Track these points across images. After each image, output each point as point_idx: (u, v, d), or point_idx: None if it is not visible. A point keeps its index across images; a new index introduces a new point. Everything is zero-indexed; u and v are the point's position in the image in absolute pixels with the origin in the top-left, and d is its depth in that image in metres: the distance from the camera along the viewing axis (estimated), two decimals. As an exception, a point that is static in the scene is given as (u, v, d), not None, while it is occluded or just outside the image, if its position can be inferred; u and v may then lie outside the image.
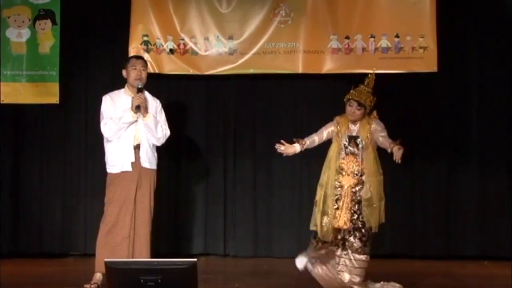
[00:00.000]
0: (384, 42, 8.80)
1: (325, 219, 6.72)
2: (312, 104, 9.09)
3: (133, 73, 7.17)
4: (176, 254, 8.66)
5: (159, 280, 4.95)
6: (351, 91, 6.82)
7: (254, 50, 8.90)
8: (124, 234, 7.03)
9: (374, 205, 6.67)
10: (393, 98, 8.94)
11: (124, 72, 7.26)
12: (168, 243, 8.88)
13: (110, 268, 5.12)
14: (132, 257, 6.97)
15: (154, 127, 7.13)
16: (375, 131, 6.76)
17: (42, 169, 9.11)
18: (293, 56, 8.85)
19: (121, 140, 7.09)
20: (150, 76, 7.57)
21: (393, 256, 8.61)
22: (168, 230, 8.97)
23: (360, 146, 6.74)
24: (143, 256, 7.00)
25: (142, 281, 4.96)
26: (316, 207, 6.84)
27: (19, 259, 8.79)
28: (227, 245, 9.17)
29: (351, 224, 6.65)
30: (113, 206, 7.11)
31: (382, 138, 6.74)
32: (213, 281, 7.61)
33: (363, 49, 8.83)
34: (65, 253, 9.08)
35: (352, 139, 6.78)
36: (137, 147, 7.11)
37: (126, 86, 7.27)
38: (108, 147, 7.20)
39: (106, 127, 7.12)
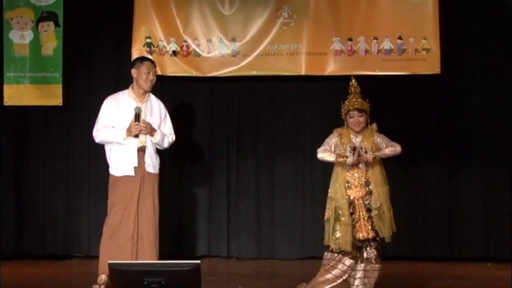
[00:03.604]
0: (387, 44, 8.80)
1: (338, 226, 6.66)
2: (315, 106, 9.09)
3: (145, 76, 7.17)
4: (179, 256, 8.63)
5: (163, 282, 4.94)
6: (345, 104, 6.78)
7: (257, 52, 8.90)
8: (127, 236, 7.04)
9: (384, 215, 6.64)
10: (396, 100, 8.95)
11: (134, 72, 7.25)
12: (172, 244, 8.85)
13: (114, 269, 5.12)
14: (136, 259, 6.97)
15: (162, 142, 7.21)
16: (380, 145, 6.73)
17: (45, 171, 9.11)
18: (296, 58, 8.85)
19: (125, 143, 7.10)
20: (152, 77, 7.58)
21: (396, 258, 8.58)
22: (171, 231, 8.94)
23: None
24: (146, 257, 7.00)
25: (145, 282, 4.95)
26: (327, 222, 6.75)
27: (22, 260, 8.79)
28: (231, 246, 9.16)
29: (373, 232, 6.62)
30: (116, 208, 7.12)
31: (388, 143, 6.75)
32: (217, 283, 7.62)
33: (366, 51, 8.82)
34: (68, 255, 9.08)
35: (355, 151, 6.71)
36: (141, 149, 7.11)
37: (130, 88, 7.28)
38: (111, 148, 7.20)
39: (99, 134, 7.23)
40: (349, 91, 6.83)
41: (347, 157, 6.60)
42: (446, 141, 9.03)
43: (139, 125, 7.02)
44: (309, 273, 6.94)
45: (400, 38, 8.77)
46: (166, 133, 7.30)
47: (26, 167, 9.09)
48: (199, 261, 5.11)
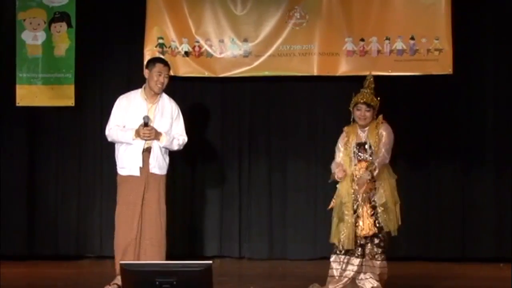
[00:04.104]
0: (399, 44, 8.77)
1: (342, 226, 6.69)
2: (327, 106, 9.08)
3: (156, 78, 7.12)
4: (191, 256, 8.64)
5: (174, 282, 4.95)
6: (355, 96, 6.80)
7: (269, 52, 8.89)
8: (132, 236, 7.02)
9: (390, 209, 6.64)
10: (408, 100, 8.95)
11: (146, 72, 7.23)
12: (183, 245, 8.88)
13: (125, 270, 5.13)
14: (138, 260, 6.96)
15: (170, 145, 7.17)
16: (381, 136, 6.73)
17: (57, 171, 9.14)
18: (308, 58, 8.84)
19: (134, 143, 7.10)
20: (164, 78, 7.58)
21: (408, 259, 8.59)
22: (183, 232, 8.97)
23: (369, 151, 6.70)
24: (149, 259, 6.96)
25: (157, 283, 4.96)
26: (333, 217, 6.83)
27: (35, 261, 8.82)
28: (242, 247, 9.17)
29: (375, 228, 6.62)
30: (121, 207, 7.13)
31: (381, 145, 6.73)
32: (228, 283, 7.60)
33: (378, 51, 8.80)
34: (81, 255, 9.10)
35: (362, 146, 6.74)
36: (147, 150, 7.09)
37: (142, 88, 7.26)
38: (119, 148, 7.21)
39: (110, 133, 7.20)
40: (363, 85, 6.83)
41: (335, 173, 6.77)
42: (459, 141, 9.01)
43: (146, 132, 7.00)
44: (321, 274, 6.94)
45: (412, 38, 8.75)
46: (177, 134, 7.26)
47: (38, 168, 9.12)
48: (210, 262, 5.12)
